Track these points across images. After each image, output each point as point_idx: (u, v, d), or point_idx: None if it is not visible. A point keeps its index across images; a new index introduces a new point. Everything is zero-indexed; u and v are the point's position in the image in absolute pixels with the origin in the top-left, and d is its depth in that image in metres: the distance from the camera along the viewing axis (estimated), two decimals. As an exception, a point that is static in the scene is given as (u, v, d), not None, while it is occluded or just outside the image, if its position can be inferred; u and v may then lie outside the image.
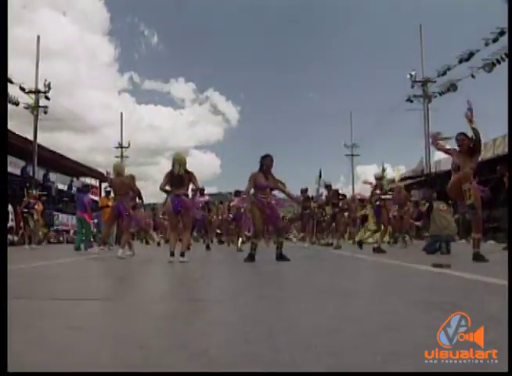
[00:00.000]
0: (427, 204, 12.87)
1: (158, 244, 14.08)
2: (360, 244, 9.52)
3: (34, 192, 19.94)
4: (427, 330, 1.44)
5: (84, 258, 7.10)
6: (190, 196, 6.16)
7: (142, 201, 9.75)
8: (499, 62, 16.88)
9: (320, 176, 11.91)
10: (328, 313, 1.93)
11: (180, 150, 6.30)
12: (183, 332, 1.61)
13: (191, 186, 6.08)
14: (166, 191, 6.05)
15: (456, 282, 3.23)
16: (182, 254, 5.70)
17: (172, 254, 5.75)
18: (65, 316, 2.01)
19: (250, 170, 6.04)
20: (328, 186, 11.93)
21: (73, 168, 24.98)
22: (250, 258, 5.77)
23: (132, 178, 7.80)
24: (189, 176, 5.94)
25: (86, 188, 12.14)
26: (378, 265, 5.24)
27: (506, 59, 15.69)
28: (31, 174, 21.13)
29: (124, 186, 7.21)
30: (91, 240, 11.20)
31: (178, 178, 5.86)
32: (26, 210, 12.94)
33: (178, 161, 5.87)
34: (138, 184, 8.75)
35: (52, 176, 24.22)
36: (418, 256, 6.42)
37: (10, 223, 15.89)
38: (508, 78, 3.70)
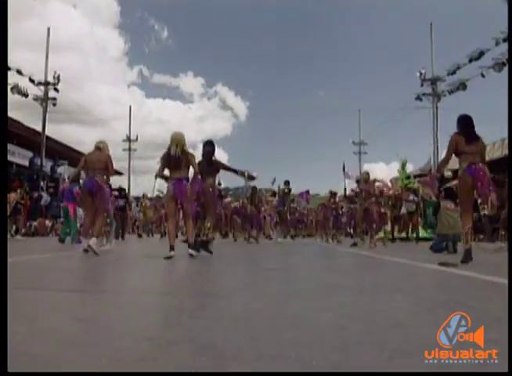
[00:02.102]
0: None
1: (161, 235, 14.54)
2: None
3: (42, 184, 20.14)
4: (432, 328, 1.46)
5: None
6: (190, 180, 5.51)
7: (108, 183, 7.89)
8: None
9: (344, 169, 12.09)
10: (333, 310, 1.93)
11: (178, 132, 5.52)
12: (189, 325, 1.62)
13: (191, 170, 5.47)
14: (163, 177, 5.47)
15: (462, 281, 3.23)
16: (190, 246, 5.22)
17: (172, 247, 5.15)
18: (71, 308, 2.03)
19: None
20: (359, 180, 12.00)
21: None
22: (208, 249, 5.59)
23: (109, 157, 6.47)
24: (188, 158, 5.37)
25: (76, 178, 11.90)
26: (384, 264, 5.22)
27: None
28: (39, 165, 21.25)
29: (98, 162, 6.13)
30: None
31: (175, 159, 5.31)
32: (22, 201, 13.22)
33: (175, 141, 5.36)
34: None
35: (60, 168, 24.37)
36: (425, 255, 6.40)
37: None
38: (508, 79, 3.70)
